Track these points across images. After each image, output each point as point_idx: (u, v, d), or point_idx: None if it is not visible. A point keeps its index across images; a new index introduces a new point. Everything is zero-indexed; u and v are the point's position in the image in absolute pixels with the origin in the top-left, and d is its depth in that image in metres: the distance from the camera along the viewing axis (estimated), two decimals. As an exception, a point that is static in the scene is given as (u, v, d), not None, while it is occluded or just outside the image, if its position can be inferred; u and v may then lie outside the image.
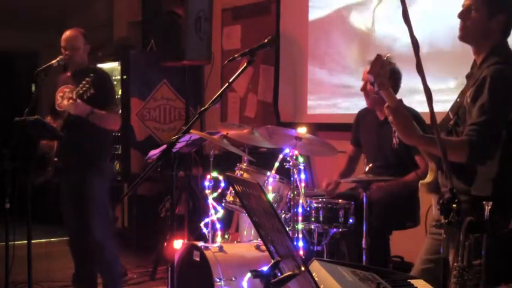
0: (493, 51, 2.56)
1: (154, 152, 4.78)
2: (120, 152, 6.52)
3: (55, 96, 4.27)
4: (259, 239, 3.69)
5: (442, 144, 1.89)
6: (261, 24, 6.17)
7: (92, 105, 4.01)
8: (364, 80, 4.01)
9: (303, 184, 3.68)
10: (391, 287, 2.11)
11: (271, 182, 3.83)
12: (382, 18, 4.97)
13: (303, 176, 3.69)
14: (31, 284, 4.00)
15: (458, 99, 2.65)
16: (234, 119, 6.39)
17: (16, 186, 3.84)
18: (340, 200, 3.86)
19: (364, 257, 3.55)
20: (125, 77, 6.52)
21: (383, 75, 2.46)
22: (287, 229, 2.93)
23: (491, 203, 2.05)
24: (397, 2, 1.91)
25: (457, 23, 2.64)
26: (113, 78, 6.26)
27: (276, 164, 3.79)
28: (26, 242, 3.88)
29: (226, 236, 4.39)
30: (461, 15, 2.60)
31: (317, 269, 2.25)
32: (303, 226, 3.72)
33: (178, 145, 4.25)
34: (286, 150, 3.70)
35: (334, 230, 3.83)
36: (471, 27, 2.57)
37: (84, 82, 3.95)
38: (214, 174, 4.02)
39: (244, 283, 3.40)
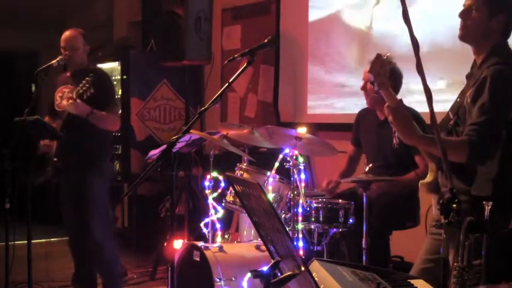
0: (493, 52, 2.56)
1: (154, 152, 4.78)
2: (120, 152, 6.52)
3: (54, 96, 4.27)
4: (259, 239, 3.69)
5: (442, 144, 1.89)
6: (261, 24, 6.17)
7: (92, 105, 4.00)
8: (365, 79, 4.01)
9: (303, 184, 3.68)
10: (391, 287, 2.11)
11: (271, 182, 3.83)
12: (381, 18, 4.97)
13: (303, 176, 3.69)
14: (31, 284, 4.00)
15: (458, 99, 2.66)
16: (234, 119, 6.39)
17: (16, 186, 3.84)
18: (340, 200, 3.86)
19: (364, 257, 3.55)
20: (125, 77, 6.52)
21: (383, 74, 2.46)
22: (287, 229, 2.93)
23: (491, 203, 2.05)
24: (396, 2, 1.91)
25: (456, 23, 2.64)
26: (113, 78, 6.28)
27: (276, 164, 3.79)
28: (26, 242, 3.88)
29: (226, 236, 4.39)
30: (462, 15, 2.60)
31: (317, 269, 2.25)
32: (303, 226, 3.71)
33: (178, 145, 4.25)
34: (286, 150, 3.70)
35: (334, 230, 3.83)
36: (472, 27, 2.57)
37: (84, 82, 3.94)
38: (214, 174, 4.02)
39: (244, 283, 3.39)
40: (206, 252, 3.58)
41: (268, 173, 3.86)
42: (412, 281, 2.23)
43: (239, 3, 6.45)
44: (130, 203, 6.73)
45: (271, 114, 5.97)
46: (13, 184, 3.84)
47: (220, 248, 3.66)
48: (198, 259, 3.62)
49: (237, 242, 4.17)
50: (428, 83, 1.87)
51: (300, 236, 3.65)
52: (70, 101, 3.94)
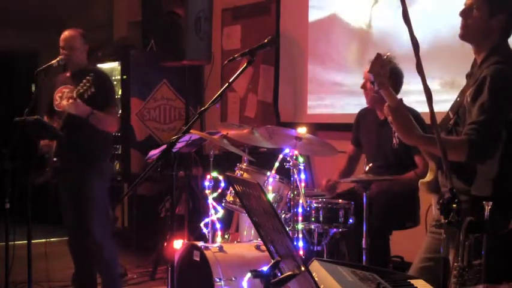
0: (493, 51, 2.56)
1: (154, 152, 4.77)
2: (120, 152, 6.52)
3: (53, 96, 4.27)
4: (259, 239, 3.68)
5: (442, 144, 1.89)
6: (261, 24, 6.17)
7: (92, 105, 4.00)
8: (365, 79, 4.01)
9: (303, 184, 3.68)
10: (391, 287, 2.11)
11: (271, 182, 3.83)
12: (380, 17, 4.97)
13: (303, 176, 3.69)
14: (31, 284, 4.00)
15: (458, 99, 2.65)
16: (234, 119, 6.38)
17: (16, 186, 3.84)
18: (340, 200, 3.86)
19: (364, 257, 3.55)
20: (124, 77, 6.52)
21: (383, 74, 2.46)
22: (287, 229, 2.93)
23: (491, 203, 2.05)
24: (396, 1, 1.91)
25: (456, 23, 2.64)
26: (113, 78, 6.29)
27: (276, 164, 3.79)
28: (26, 242, 3.88)
29: (226, 236, 4.39)
30: (463, 14, 2.60)
31: (317, 269, 2.25)
32: (303, 226, 3.71)
33: (178, 145, 4.25)
34: (286, 150, 3.70)
35: (334, 230, 3.83)
36: (472, 26, 2.57)
37: (84, 81, 3.94)
38: (214, 174, 4.02)
39: (244, 283, 3.39)
40: (206, 252, 3.58)
41: (268, 173, 3.86)
42: (412, 281, 2.23)
43: (239, 3, 6.45)
44: (130, 203, 6.73)
45: (271, 114, 5.97)
46: (13, 184, 3.84)
47: (220, 248, 3.65)
48: (198, 259, 3.62)
49: (237, 242, 4.17)
50: (428, 83, 1.87)
51: (300, 236, 3.64)
52: (70, 100, 3.94)
